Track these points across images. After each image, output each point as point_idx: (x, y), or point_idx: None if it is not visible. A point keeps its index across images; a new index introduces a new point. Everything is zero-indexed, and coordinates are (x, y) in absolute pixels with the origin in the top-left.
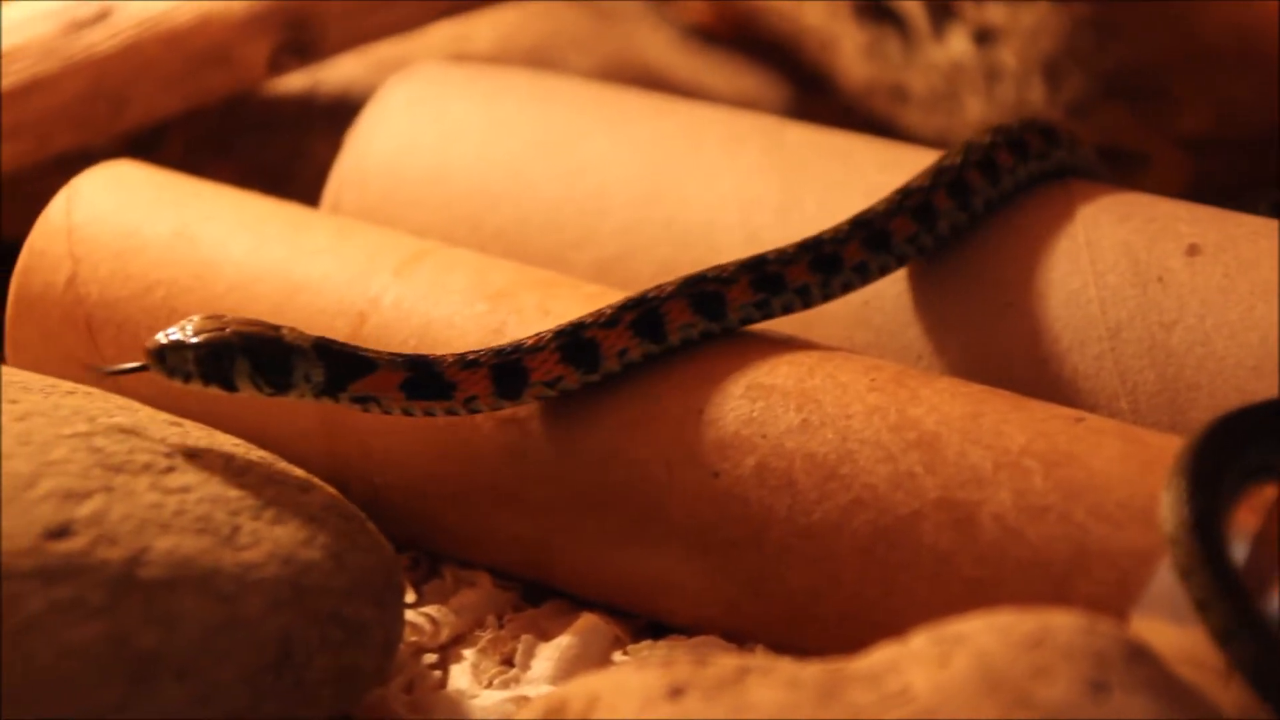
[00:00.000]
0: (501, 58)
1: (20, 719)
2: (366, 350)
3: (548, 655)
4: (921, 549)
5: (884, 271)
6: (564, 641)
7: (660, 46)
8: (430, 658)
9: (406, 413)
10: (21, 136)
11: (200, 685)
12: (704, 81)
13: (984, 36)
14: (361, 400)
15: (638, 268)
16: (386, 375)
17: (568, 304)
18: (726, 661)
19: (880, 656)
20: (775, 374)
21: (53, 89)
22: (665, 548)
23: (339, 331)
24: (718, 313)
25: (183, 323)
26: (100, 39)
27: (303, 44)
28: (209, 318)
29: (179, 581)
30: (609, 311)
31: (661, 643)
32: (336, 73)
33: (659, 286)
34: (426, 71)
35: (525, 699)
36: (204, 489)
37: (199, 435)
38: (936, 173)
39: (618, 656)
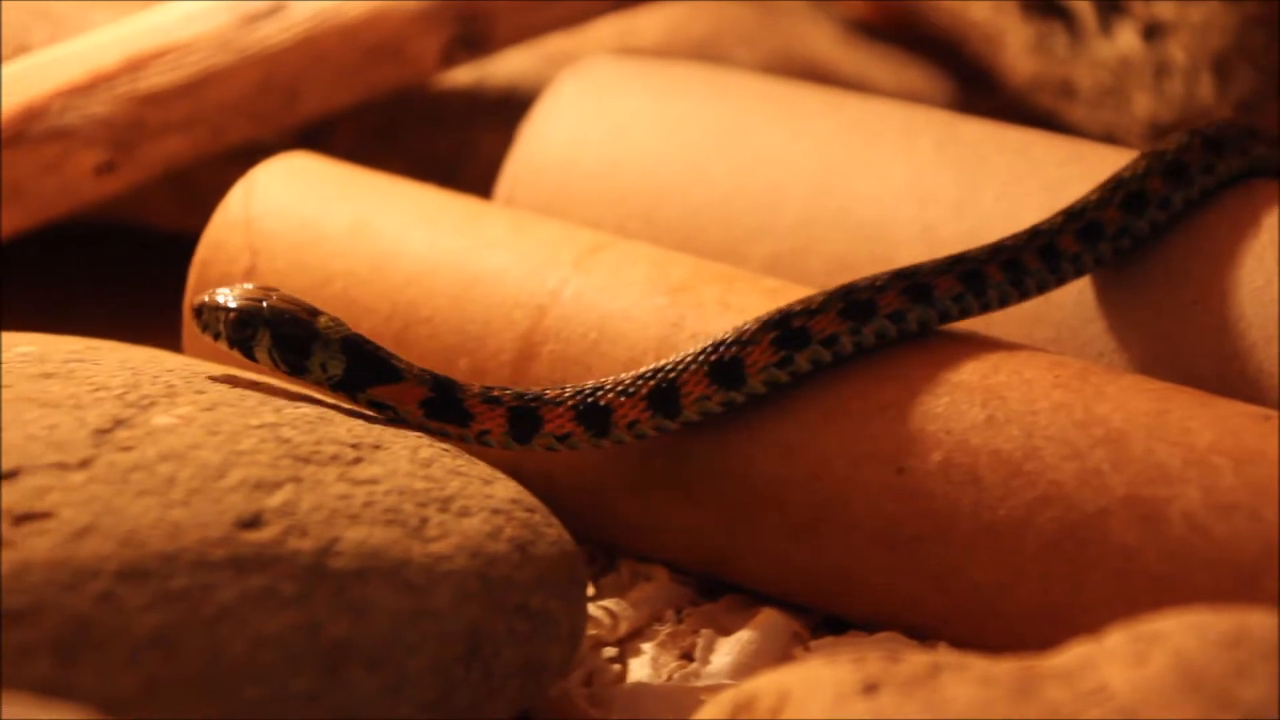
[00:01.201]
0: (668, 51)
1: (213, 709)
2: (398, 360)
3: (727, 650)
4: (1108, 546)
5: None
6: (744, 636)
7: (824, 41)
8: (609, 651)
9: (421, 428)
10: (197, 129)
11: (391, 676)
12: (867, 76)
13: (1153, 32)
14: (378, 406)
15: (811, 263)
16: (409, 389)
17: (747, 298)
18: (918, 658)
19: (1075, 654)
20: (960, 370)
21: (227, 82)
22: (847, 543)
23: (518, 324)
24: (737, 379)
25: (236, 286)
26: (274, 32)
27: (473, 38)
28: (260, 288)
29: (369, 572)
30: (627, 380)
31: (844, 638)
32: (504, 67)
33: (680, 356)
34: (598, 65)
35: (708, 692)
36: (391, 481)
37: (383, 427)
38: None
39: (797, 652)
